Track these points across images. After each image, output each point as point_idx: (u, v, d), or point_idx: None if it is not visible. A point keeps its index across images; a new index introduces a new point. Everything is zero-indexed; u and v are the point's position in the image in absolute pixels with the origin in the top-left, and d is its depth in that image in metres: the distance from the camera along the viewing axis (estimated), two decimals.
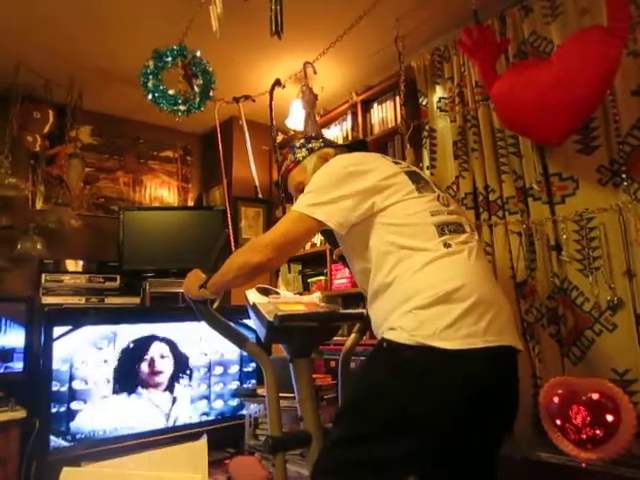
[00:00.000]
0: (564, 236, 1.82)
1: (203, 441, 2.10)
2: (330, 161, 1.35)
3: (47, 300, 2.66)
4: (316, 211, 1.19)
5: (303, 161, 1.50)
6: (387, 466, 1.06)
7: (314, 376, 2.27)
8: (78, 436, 2.32)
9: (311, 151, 1.51)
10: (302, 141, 1.55)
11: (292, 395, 1.56)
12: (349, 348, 1.66)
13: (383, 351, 1.13)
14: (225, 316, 1.47)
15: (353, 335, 1.68)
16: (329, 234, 1.55)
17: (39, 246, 2.77)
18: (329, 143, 1.56)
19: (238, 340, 1.45)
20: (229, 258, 1.31)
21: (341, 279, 2.83)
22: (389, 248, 1.17)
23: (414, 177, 1.28)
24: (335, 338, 2.31)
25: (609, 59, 1.52)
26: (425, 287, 1.09)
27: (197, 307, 1.42)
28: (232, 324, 1.47)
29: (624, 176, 1.68)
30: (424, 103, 2.35)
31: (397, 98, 2.55)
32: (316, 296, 1.77)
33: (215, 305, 1.46)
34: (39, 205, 2.96)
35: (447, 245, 1.15)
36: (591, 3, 1.73)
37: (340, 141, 2.93)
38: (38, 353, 2.42)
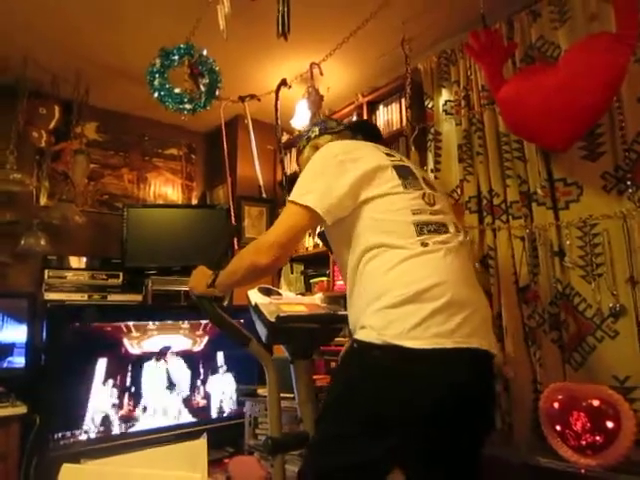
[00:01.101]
0: (567, 242, 1.82)
1: (203, 440, 2.10)
2: (322, 148, 1.33)
3: (49, 296, 2.66)
4: (307, 198, 1.18)
5: (303, 150, 1.56)
6: (369, 468, 1.06)
7: (315, 377, 2.27)
8: (78, 433, 2.33)
9: (308, 140, 1.55)
10: (307, 127, 1.59)
11: (292, 396, 1.57)
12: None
13: (354, 352, 1.14)
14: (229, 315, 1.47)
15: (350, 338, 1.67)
16: (325, 237, 1.55)
17: (43, 242, 2.78)
18: (327, 129, 1.54)
19: (242, 339, 1.45)
20: (236, 258, 1.31)
21: (342, 280, 2.83)
22: (366, 243, 1.16)
23: (402, 172, 1.26)
24: (336, 339, 2.32)
25: (616, 66, 1.51)
26: (396, 285, 1.09)
27: (202, 305, 1.41)
28: (236, 323, 1.47)
29: (629, 183, 1.67)
30: (430, 106, 2.35)
31: (403, 100, 2.55)
32: (318, 297, 1.77)
33: (225, 303, 1.47)
34: (43, 201, 2.96)
35: (424, 244, 1.14)
36: (600, 9, 1.72)
37: None
38: (40, 349, 2.43)
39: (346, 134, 1.52)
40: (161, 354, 2.64)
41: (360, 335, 1.12)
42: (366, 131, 1.56)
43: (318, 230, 1.45)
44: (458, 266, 1.15)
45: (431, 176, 1.43)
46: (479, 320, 1.12)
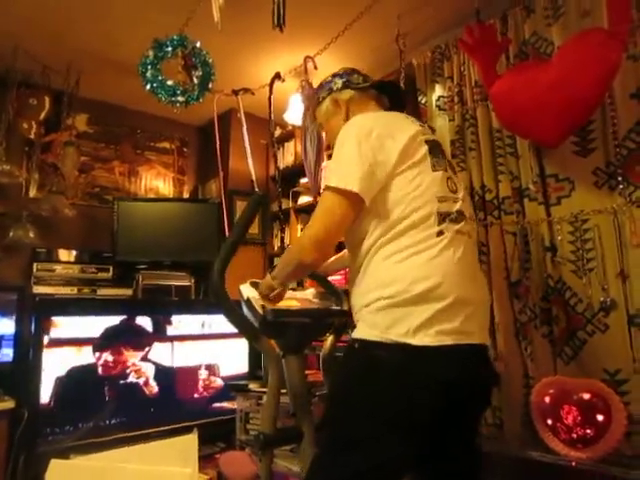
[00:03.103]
0: (559, 237, 1.83)
1: (194, 435, 2.09)
2: (351, 122, 1.22)
3: (38, 290, 2.64)
4: (349, 182, 1.09)
5: (322, 101, 1.45)
6: (387, 468, 1.05)
7: (307, 372, 2.27)
8: (67, 428, 2.31)
9: (330, 92, 1.42)
10: (329, 77, 1.45)
11: (284, 391, 1.56)
12: (328, 350, 1.66)
13: (356, 352, 1.12)
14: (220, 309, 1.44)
15: (330, 337, 1.66)
16: None
17: (31, 234, 2.74)
18: (350, 83, 1.41)
19: (252, 333, 1.42)
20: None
21: (336, 275, 2.82)
22: (384, 224, 1.12)
23: (433, 148, 1.20)
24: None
25: (609, 62, 1.52)
26: (402, 281, 1.07)
27: (218, 296, 1.36)
28: (246, 316, 1.43)
29: (620, 179, 1.69)
30: (423, 101, 2.35)
31: None
32: (310, 292, 1.76)
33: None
34: (33, 193, 2.93)
35: (440, 233, 1.11)
36: (593, 5, 1.73)
37: None
38: (28, 343, 2.40)
39: (371, 93, 1.41)
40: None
41: (361, 334, 1.11)
42: (392, 94, 1.45)
43: None
44: (466, 260, 1.15)
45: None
46: (479, 316, 1.14)
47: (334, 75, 1.45)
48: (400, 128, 1.18)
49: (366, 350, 1.09)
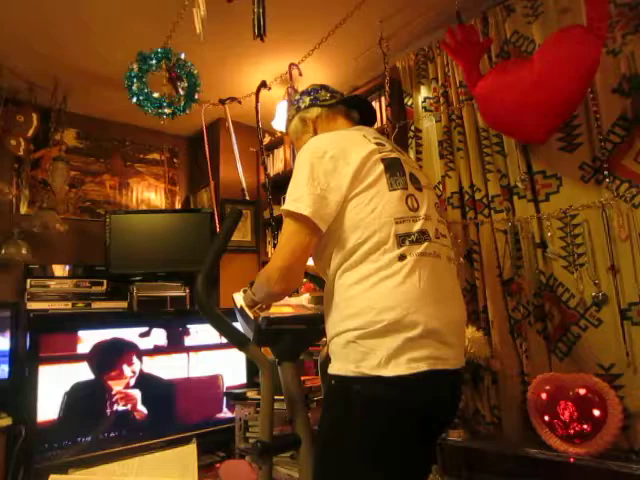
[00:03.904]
0: (549, 233, 1.84)
1: (192, 445, 2.09)
2: (307, 144, 1.20)
3: (33, 306, 2.63)
4: (301, 206, 1.09)
5: (292, 120, 1.43)
6: None
7: (304, 378, 2.27)
8: (65, 443, 2.29)
9: (298, 110, 1.41)
10: (297, 95, 1.44)
11: (281, 397, 1.55)
12: (326, 355, 1.65)
13: (334, 390, 1.12)
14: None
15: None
16: None
17: (24, 251, 2.74)
18: (318, 100, 1.39)
19: (240, 341, 1.42)
20: (256, 282, 1.30)
21: None
22: (343, 250, 1.11)
23: (391, 166, 1.16)
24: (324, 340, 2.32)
25: (588, 58, 1.54)
26: (368, 313, 1.05)
27: (202, 307, 1.36)
28: (233, 325, 1.44)
29: (606, 173, 1.70)
30: (409, 103, 2.37)
31: (382, 98, 2.56)
32: (305, 297, 1.75)
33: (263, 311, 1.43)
34: (23, 209, 2.92)
35: (402, 257, 1.07)
36: (571, 2, 1.75)
37: None
38: (23, 359, 2.39)
39: (339, 108, 1.38)
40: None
41: (336, 370, 1.10)
42: (362, 109, 1.43)
43: None
44: (434, 282, 1.10)
45: (416, 165, 1.32)
46: (453, 339, 1.11)
47: (302, 93, 1.44)
48: (354, 149, 1.15)
49: (342, 386, 1.08)
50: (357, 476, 1.06)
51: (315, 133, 1.36)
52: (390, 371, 1.02)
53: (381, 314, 1.04)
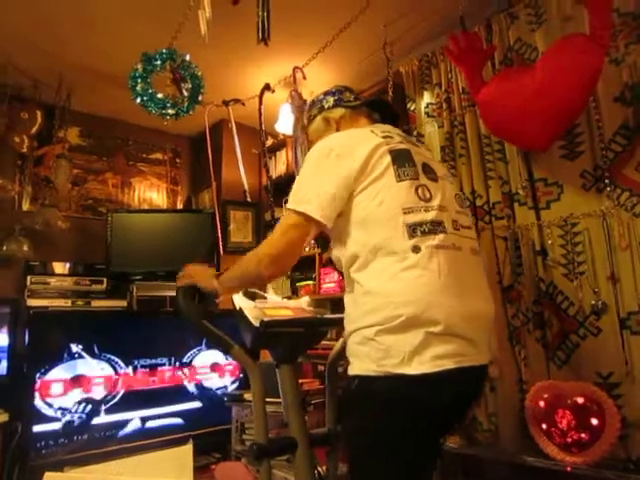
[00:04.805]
0: (549, 241, 1.84)
1: (189, 446, 2.09)
2: (317, 144, 1.23)
3: (32, 302, 2.63)
4: (304, 205, 1.12)
5: (314, 119, 1.44)
6: None
7: (302, 381, 2.27)
8: (61, 440, 2.29)
9: (321, 110, 1.42)
10: (321, 95, 1.45)
11: (279, 400, 1.55)
12: (337, 353, 1.65)
13: (355, 393, 1.09)
14: (214, 320, 1.45)
15: (341, 340, 1.67)
16: (318, 236, 1.52)
17: (25, 247, 2.75)
18: (342, 101, 1.41)
19: (224, 345, 1.43)
20: (239, 264, 1.27)
21: (329, 283, 2.83)
22: (355, 246, 1.11)
23: (399, 157, 1.15)
24: (323, 342, 2.32)
25: (591, 67, 1.54)
26: (388, 308, 1.03)
27: (186, 311, 1.39)
28: (217, 330, 1.45)
29: (607, 182, 1.70)
30: (412, 108, 2.37)
31: None
32: (304, 300, 1.75)
33: (219, 300, 1.43)
34: (26, 206, 2.94)
35: (416, 249, 1.05)
36: (575, 10, 1.75)
37: None
38: (22, 356, 2.39)
39: (362, 110, 1.40)
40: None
41: (357, 370, 1.08)
42: (384, 111, 1.44)
43: None
44: (455, 276, 1.07)
45: (432, 157, 1.30)
46: (478, 334, 1.08)
47: (326, 93, 1.45)
48: (360, 144, 1.15)
49: (365, 386, 1.06)
50: (379, 470, 1.06)
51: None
52: (414, 369, 0.99)
53: (399, 308, 1.02)
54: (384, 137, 1.18)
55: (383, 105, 1.47)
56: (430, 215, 1.10)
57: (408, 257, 1.05)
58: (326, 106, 1.41)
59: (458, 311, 1.04)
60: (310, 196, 1.12)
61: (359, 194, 1.11)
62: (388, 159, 1.13)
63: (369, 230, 1.09)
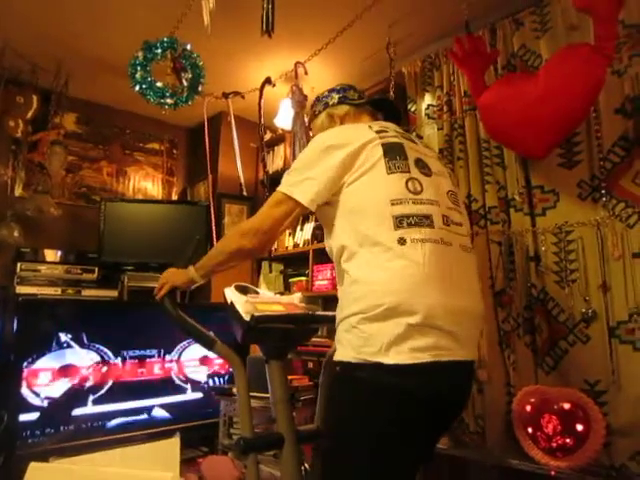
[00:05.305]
0: (543, 248, 1.85)
1: (176, 439, 2.08)
2: (314, 137, 1.29)
3: (22, 290, 2.60)
4: (294, 190, 1.18)
5: (318, 115, 1.47)
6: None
7: (291, 377, 2.27)
8: (47, 430, 2.28)
9: (325, 106, 1.45)
10: (326, 92, 1.48)
11: (268, 395, 1.55)
12: (334, 351, 1.66)
13: (339, 377, 1.12)
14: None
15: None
16: None
17: (16, 234, 2.71)
18: (346, 99, 1.44)
19: (206, 342, 1.44)
20: (220, 242, 1.34)
21: (322, 280, 2.83)
22: (343, 237, 1.14)
23: (391, 150, 1.17)
24: (314, 339, 2.32)
25: (594, 77, 1.55)
26: (370, 296, 1.05)
27: (165, 308, 1.40)
28: (199, 325, 1.45)
29: (603, 192, 1.71)
30: (413, 109, 2.37)
31: None
32: (297, 296, 1.75)
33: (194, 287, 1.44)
34: (18, 192, 2.90)
35: (402, 241, 1.07)
36: (580, 20, 1.75)
37: None
38: (9, 344, 2.36)
39: (366, 108, 1.44)
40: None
41: (340, 356, 1.10)
42: (387, 110, 1.48)
43: None
44: (442, 269, 1.08)
45: (431, 154, 1.31)
46: (462, 330, 1.09)
47: (330, 90, 1.47)
48: (355, 137, 1.19)
49: (346, 372, 1.08)
50: (360, 460, 1.06)
51: None
52: (391, 359, 1.01)
53: (381, 297, 1.03)
54: (378, 132, 1.21)
55: (387, 104, 1.50)
56: (417, 208, 1.11)
57: (393, 248, 1.07)
58: (330, 103, 1.44)
59: (441, 303, 1.05)
60: (297, 180, 1.18)
61: (349, 185, 1.15)
62: (380, 152, 1.16)
63: (357, 220, 1.12)
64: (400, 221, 1.08)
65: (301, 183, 1.17)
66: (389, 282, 1.05)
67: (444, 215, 1.15)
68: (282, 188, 1.21)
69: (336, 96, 1.44)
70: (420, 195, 1.13)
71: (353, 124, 1.36)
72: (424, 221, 1.10)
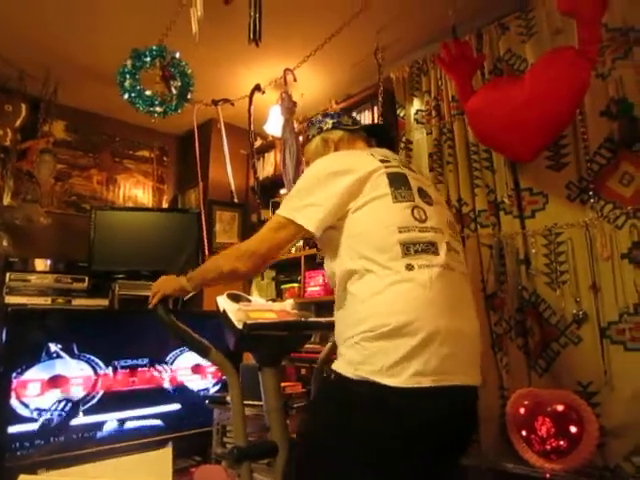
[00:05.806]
0: (533, 250, 1.86)
1: (168, 449, 2.06)
2: (315, 162, 1.29)
3: (11, 300, 2.57)
4: (297, 215, 1.17)
5: (312, 139, 1.48)
6: None
7: (285, 384, 2.25)
8: (37, 442, 2.24)
9: (320, 131, 1.47)
10: (319, 117, 1.50)
11: (261, 403, 1.54)
12: (325, 357, 1.65)
13: (332, 384, 1.12)
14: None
15: (329, 344, 1.66)
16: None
17: (5, 243, 2.68)
18: (340, 124, 1.46)
19: (201, 349, 1.42)
20: (215, 259, 1.33)
21: (314, 287, 2.83)
22: (351, 262, 1.13)
23: (395, 180, 1.19)
24: (307, 346, 2.31)
25: (579, 80, 1.57)
26: (376, 317, 1.05)
27: (159, 315, 1.39)
28: (193, 333, 1.44)
29: (591, 193, 1.73)
30: (402, 115, 2.38)
31: (375, 108, 2.57)
32: (289, 303, 1.75)
33: (186, 297, 1.43)
34: (7, 201, 2.87)
35: (409, 267, 1.08)
36: (565, 24, 1.78)
37: None
38: None
39: (360, 134, 1.46)
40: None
41: (337, 367, 1.10)
42: (380, 136, 1.51)
43: None
44: (445, 294, 1.09)
45: (427, 183, 1.33)
46: (463, 354, 1.08)
47: (324, 115, 1.50)
48: (359, 164, 1.20)
49: (340, 384, 1.07)
50: (346, 475, 1.04)
51: None
52: (391, 381, 1.00)
53: (387, 318, 1.04)
54: (382, 161, 1.23)
55: (380, 130, 1.54)
56: (424, 235, 1.14)
57: (401, 272, 1.08)
58: (325, 127, 1.46)
59: (445, 328, 1.05)
60: (299, 205, 1.18)
61: (356, 211, 1.15)
62: (385, 181, 1.18)
63: (364, 246, 1.12)
64: (407, 248, 1.10)
65: (304, 208, 1.17)
66: (394, 303, 1.06)
67: (447, 242, 1.17)
68: (283, 212, 1.20)
69: (330, 121, 1.46)
70: (425, 223, 1.16)
71: (353, 151, 1.37)
72: (430, 248, 1.12)
